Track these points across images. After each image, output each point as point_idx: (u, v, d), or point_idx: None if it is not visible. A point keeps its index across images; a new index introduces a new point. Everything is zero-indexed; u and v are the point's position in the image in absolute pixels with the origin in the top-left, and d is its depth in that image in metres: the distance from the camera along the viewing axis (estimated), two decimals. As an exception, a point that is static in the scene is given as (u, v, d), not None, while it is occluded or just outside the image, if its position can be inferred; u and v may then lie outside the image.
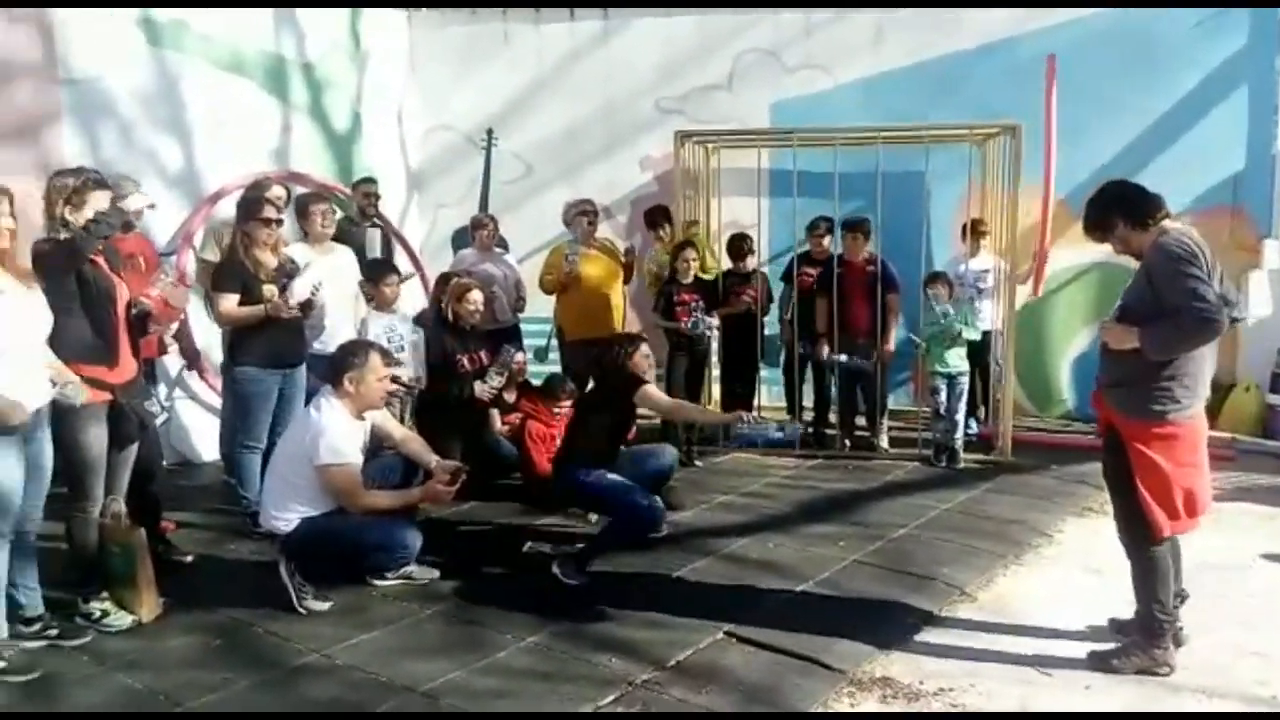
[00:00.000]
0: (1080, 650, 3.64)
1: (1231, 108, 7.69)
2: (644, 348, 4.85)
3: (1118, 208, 3.58)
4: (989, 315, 7.07)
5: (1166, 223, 3.56)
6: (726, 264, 7.11)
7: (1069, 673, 3.50)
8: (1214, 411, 7.18)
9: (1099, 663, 3.58)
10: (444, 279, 6.10)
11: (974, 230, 7.21)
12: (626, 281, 7.06)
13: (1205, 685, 3.46)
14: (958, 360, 6.54)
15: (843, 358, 6.71)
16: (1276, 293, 7.53)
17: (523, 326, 7.20)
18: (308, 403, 4.54)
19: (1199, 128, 7.68)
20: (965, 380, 6.58)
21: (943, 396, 6.51)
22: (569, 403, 5.89)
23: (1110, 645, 3.64)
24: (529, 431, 5.81)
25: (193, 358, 5.97)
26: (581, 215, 6.83)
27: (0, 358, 3.27)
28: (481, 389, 5.69)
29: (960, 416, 6.58)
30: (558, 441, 5.81)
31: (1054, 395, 8.06)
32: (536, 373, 7.10)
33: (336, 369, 4.22)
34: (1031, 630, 3.90)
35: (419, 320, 5.95)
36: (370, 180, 7.03)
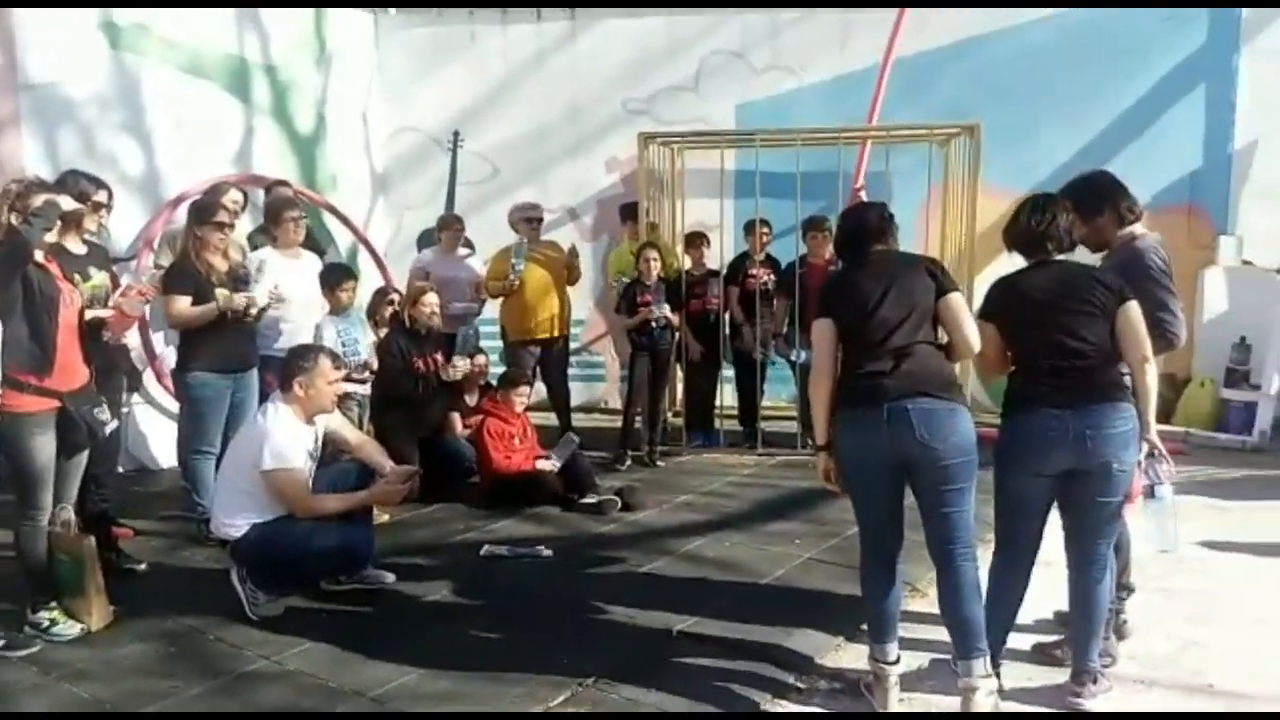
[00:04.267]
0: (1026, 642, 3.69)
1: (1190, 106, 7.82)
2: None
3: (1114, 194, 3.63)
4: None
5: (1138, 226, 3.63)
6: (688, 264, 7.15)
7: (1014, 665, 3.53)
8: (1170, 406, 7.31)
9: (1043, 655, 3.64)
10: (379, 293, 6.25)
11: None
12: (571, 283, 7.08)
13: (1146, 676, 3.53)
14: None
15: (804, 354, 6.75)
16: (1231, 289, 7.63)
17: (483, 329, 7.24)
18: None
19: (1158, 126, 7.81)
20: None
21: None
22: (528, 389, 5.98)
23: (1054, 637, 3.69)
24: (487, 429, 5.83)
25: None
26: (525, 220, 6.86)
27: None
28: (449, 372, 5.90)
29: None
30: (516, 442, 5.87)
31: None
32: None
33: (286, 373, 4.21)
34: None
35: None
36: (282, 183, 6.74)
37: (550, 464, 5.78)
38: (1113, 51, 7.77)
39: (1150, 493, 3.40)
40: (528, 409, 6.22)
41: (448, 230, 7.11)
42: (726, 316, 7.16)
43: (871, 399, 3.14)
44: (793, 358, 6.87)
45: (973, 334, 3.24)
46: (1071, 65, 7.78)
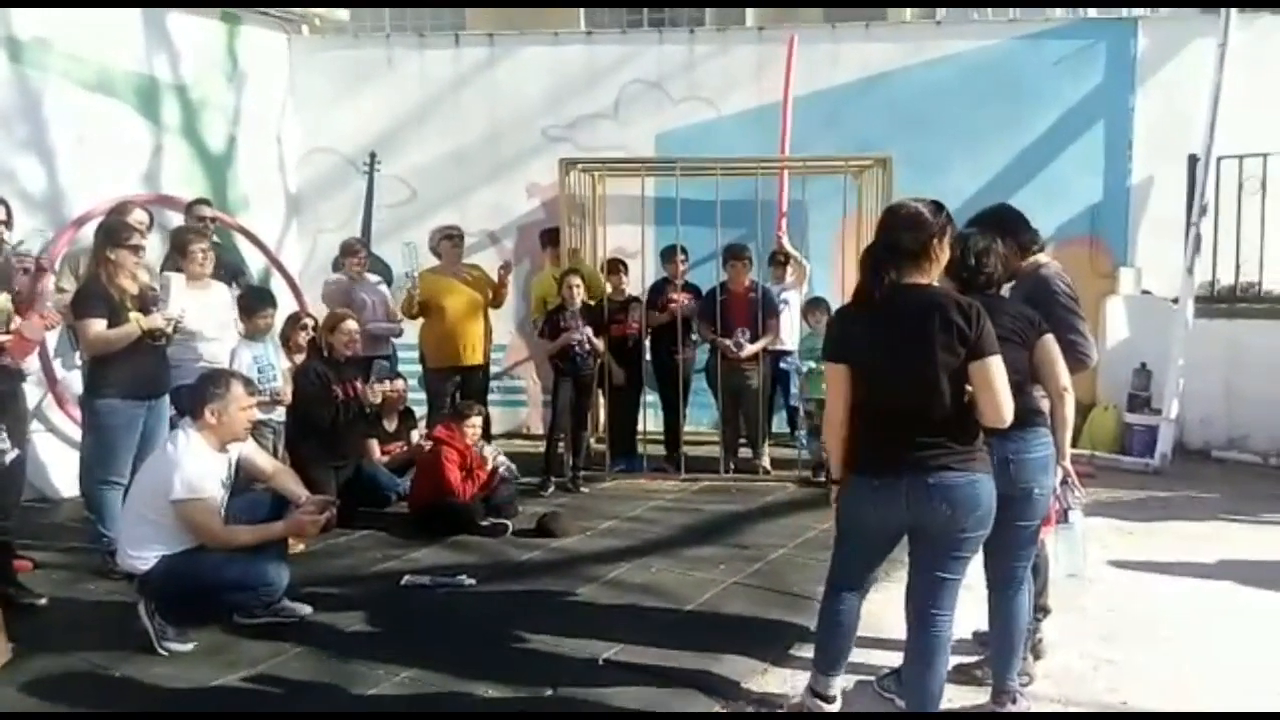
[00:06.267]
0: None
1: (1089, 142, 8.17)
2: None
3: (1014, 226, 3.70)
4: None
5: (1041, 256, 3.75)
6: (608, 290, 7.17)
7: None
8: (1075, 430, 7.55)
9: (963, 674, 3.70)
10: (293, 318, 6.14)
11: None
12: (497, 305, 7.03)
13: (1062, 694, 3.61)
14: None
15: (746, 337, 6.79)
16: (1131, 318, 7.96)
17: (401, 354, 7.14)
18: (172, 435, 4.37)
19: (1059, 161, 8.13)
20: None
21: (817, 420, 6.69)
22: (479, 419, 5.91)
23: (974, 658, 3.77)
24: (447, 455, 5.72)
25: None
26: (445, 240, 6.82)
27: None
28: (368, 394, 5.84)
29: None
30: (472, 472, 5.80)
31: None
32: (418, 400, 7.05)
33: (197, 400, 4.06)
34: (900, 644, 3.98)
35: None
36: (203, 201, 6.61)
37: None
38: (1016, 89, 8.09)
39: (1064, 517, 3.51)
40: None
41: (352, 256, 7.04)
42: (648, 342, 7.19)
43: (890, 470, 2.92)
44: (734, 346, 6.81)
45: (1006, 405, 2.88)
46: (977, 102, 8.07)
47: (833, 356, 3.05)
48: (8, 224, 4.45)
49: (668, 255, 7.15)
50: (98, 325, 4.57)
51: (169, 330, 4.72)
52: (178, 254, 5.34)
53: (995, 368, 2.87)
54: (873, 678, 3.64)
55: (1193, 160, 7.79)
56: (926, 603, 3.07)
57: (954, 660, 3.73)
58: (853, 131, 7.93)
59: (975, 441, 2.96)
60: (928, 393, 2.87)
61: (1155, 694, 3.61)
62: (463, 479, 5.74)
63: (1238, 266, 7.78)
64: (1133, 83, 8.07)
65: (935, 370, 2.85)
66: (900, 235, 2.94)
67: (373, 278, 7.20)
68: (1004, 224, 3.72)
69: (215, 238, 6.32)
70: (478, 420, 5.95)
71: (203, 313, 5.13)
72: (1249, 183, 7.63)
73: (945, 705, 3.48)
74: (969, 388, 2.90)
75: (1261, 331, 7.53)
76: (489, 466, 5.86)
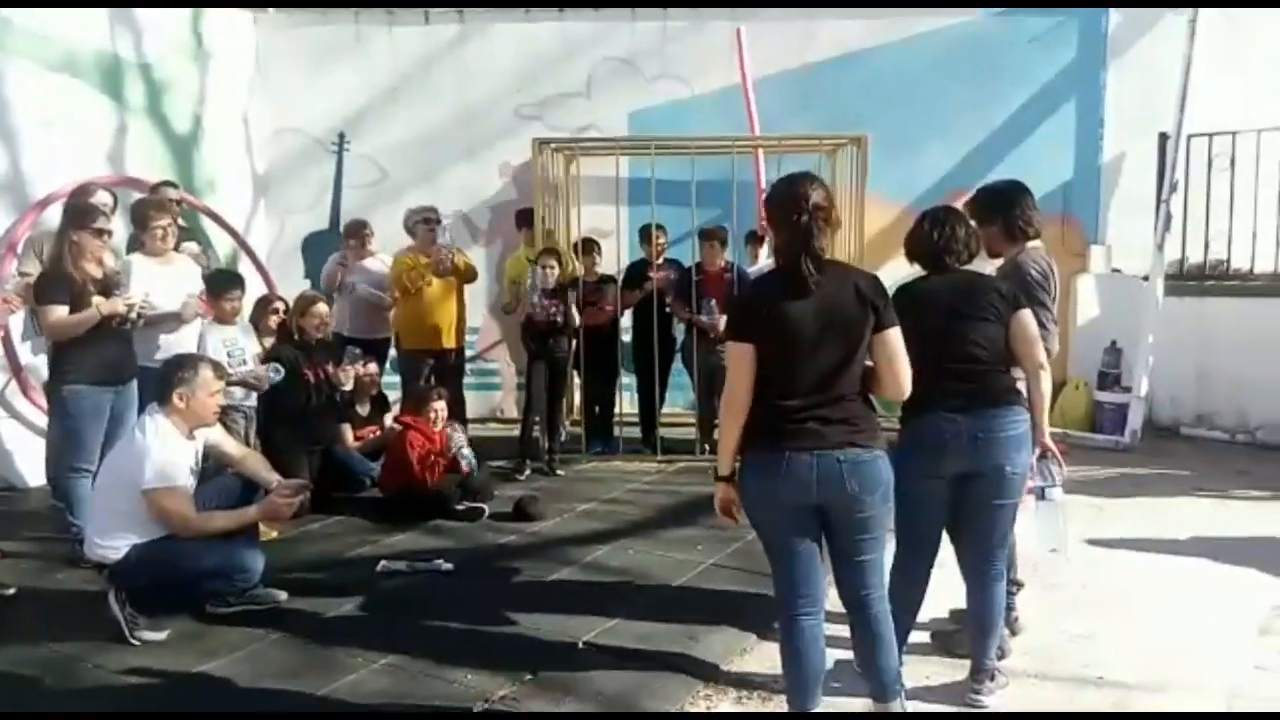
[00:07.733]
0: (924, 639, 3.77)
1: (1061, 120, 8.21)
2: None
3: (1007, 209, 3.69)
4: None
5: (1033, 241, 3.74)
6: (580, 271, 7.12)
7: (913, 659, 3.59)
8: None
9: (940, 642, 3.75)
10: (263, 301, 6.04)
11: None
12: (469, 280, 6.96)
13: (1038, 670, 3.64)
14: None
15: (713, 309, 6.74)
16: (1102, 296, 8.02)
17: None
18: (140, 420, 4.29)
19: (1031, 139, 8.16)
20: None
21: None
22: (441, 403, 5.84)
23: (952, 627, 3.79)
24: (409, 441, 5.67)
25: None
26: (423, 223, 6.74)
27: None
28: (340, 378, 5.77)
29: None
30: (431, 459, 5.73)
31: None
32: (392, 383, 6.99)
33: (165, 385, 3.98)
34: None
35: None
36: (169, 183, 6.54)
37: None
38: (989, 68, 8.10)
39: (1041, 494, 3.53)
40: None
41: (353, 237, 6.96)
42: (626, 322, 7.15)
43: (798, 444, 2.79)
44: (704, 317, 6.79)
45: (905, 377, 2.88)
46: (951, 81, 8.08)
47: (741, 335, 2.84)
48: None
49: (645, 235, 7.09)
50: (59, 311, 4.49)
51: (132, 315, 4.63)
52: (138, 228, 5.24)
53: (898, 339, 2.87)
54: (851, 655, 3.64)
55: (1163, 138, 7.85)
56: (856, 590, 2.98)
57: (933, 629, 3.78)
58: (827, 110, 7.91)
59: (874, 418, 2.91)
60: (844, 369, 2.81)
61: (1129, 669, 3.64)
62: (429, 464, 5.68)
63: (1207, 244, 7.85)
64: (1104, 59, 8.10)
65: (856, 346, 2.82)
66: (824, 205, 2.84)
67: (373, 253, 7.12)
68: (993, 204, 3.73)
69: (182, 220, 6.20)
70: (440, 404, 5.88)
71: (168, 286, 5.04)
72: (1218, 160, 7.69)
73: (924, 683, 3.52)
74: (868, 362, 2.89)
75: (1230, 309, 7.61)
76: (451, 452, 5.77)
